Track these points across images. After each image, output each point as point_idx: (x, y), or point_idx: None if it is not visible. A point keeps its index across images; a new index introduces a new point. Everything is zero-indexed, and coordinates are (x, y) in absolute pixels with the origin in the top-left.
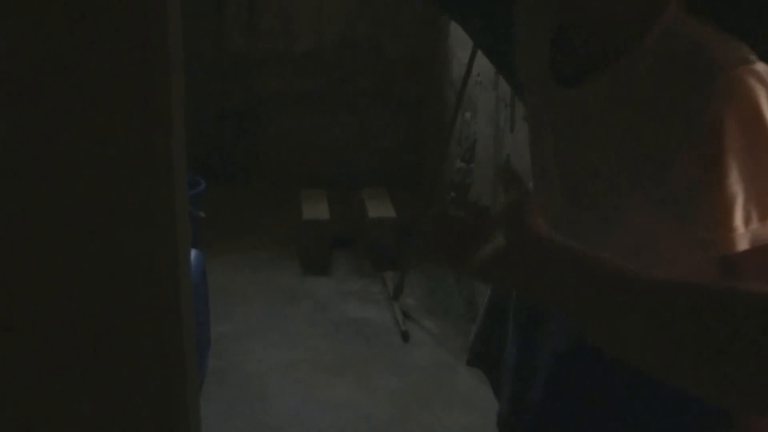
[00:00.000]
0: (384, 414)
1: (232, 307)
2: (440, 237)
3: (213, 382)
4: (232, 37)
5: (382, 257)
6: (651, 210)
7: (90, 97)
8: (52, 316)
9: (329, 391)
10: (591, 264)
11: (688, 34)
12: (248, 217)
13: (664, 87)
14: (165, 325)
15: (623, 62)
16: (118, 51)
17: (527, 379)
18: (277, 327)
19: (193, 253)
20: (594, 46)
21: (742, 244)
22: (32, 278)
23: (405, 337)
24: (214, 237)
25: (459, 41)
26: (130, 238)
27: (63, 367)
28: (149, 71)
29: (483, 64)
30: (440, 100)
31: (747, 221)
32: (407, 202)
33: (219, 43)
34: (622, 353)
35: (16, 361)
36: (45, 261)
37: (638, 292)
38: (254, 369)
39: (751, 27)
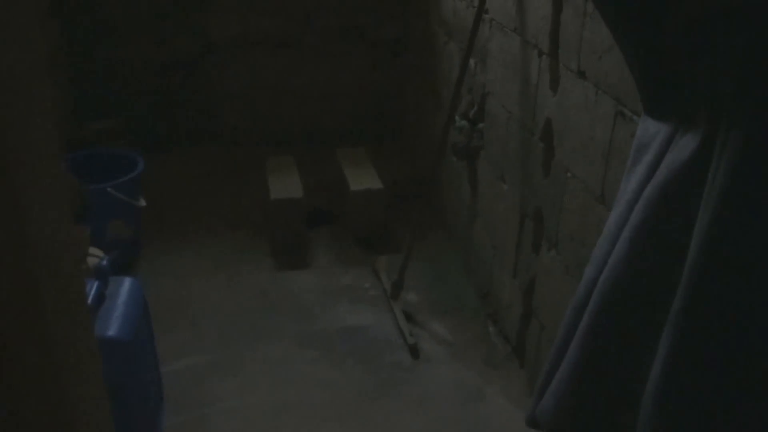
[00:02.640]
0: None
1: (188, 331)
2: None
3: None
4: None
5: (369, 239)
6: None
7: None
8: None
9: None
10: None
11: None
12: (202, 196)
13: None
14: None
15: None
16: None
17: None
18: (249, 354)
19: (127, 282)
20: None
21: None
22: None
23: (414, 352)
24: (159, 228)
25: None
26: None
27: None
28: None
29: None
30: (426, 40)
31: None
32: (391, 162)
33: None
34: None
35: None
36: None
37: None
38: (224, 427)
39: None
